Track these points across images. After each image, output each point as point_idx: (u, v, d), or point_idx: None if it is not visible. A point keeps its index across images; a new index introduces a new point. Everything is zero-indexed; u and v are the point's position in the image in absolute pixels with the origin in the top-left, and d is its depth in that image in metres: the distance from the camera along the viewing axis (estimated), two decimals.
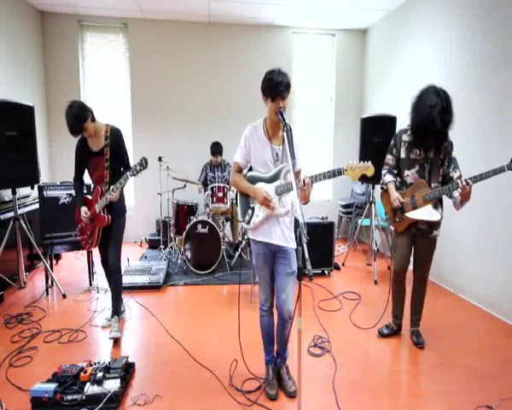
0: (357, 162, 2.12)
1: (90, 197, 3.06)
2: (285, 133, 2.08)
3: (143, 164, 2.67)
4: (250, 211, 2.28)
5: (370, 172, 2.12)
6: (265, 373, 2.46)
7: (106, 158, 2.90)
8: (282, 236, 2.25)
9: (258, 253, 2.30)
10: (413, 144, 2.75)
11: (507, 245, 3.35)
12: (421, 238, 2.81)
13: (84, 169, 3.10)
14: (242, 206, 2.35)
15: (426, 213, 2.69)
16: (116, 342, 2.93)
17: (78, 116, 2.78)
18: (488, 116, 3.55)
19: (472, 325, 3.31)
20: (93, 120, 2.90)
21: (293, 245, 2.26)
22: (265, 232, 2.25)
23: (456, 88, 3.97)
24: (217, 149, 5.08)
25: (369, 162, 2.13)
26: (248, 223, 2.28)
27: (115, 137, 2.95)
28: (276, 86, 2.11)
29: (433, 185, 2.69)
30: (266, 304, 2.38)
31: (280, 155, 2.25)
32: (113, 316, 3.15)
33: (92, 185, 3.12)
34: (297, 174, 2.27)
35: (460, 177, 2.64)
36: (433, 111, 2.49)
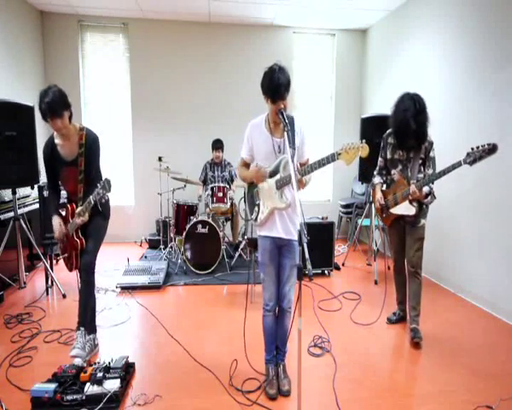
0: (350, 143, 2.04)
1: (63, 214, 2.65)
2: (285, 133, 2.11)
3: (106, 187, 2.28)
4: (256, 208, 2.34)
5: (365, 152, 2.03)
6: (265, 373, 2.46)
7: (80, 170, 2.47)
8: (287, 229, 2.28)
9: (265, 249, 2.32)
10: (396, 146, 2.96)
11: (507, 245, 3.35)
12: (411, 228, 2.98)
13: (57, 177, 2.66)
14: (250, 204, 2.42)
15: (403, 208, 2.93)
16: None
17: (62, 97, 2.38)
18: (488, 116, 3.55)
19: (472, 325, 3.31)
20: (70, 118, 2.50)
21: (296, 237, 2.24)
22: (270, 227, 2.29)
23: (455, 88, 3.97)
24: (219, 144, 5.09)
25: (363, 142, 2.03)
26: (255, 220, 2.34)
27: (92, 144, 2.52)
28: (276, 89, 2.12)
29: (411, 182, 2.88)
30: (270, 303, 2.35)
31: (282, 147, 2.25)
32: (78, 328, 2.67)
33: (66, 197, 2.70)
34: (305, 164, 2.31)
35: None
36: (407, 114, 2.71)
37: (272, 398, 2.29)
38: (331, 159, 2.07)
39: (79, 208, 2.43)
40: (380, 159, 3.15)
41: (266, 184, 2.27)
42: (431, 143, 2.85)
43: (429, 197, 2.84)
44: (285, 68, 2.18)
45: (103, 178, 2.30)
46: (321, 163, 2.10)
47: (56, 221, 2.57)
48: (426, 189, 2.77)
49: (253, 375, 2.48)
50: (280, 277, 2.35)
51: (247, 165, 2.43)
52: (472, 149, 2.57)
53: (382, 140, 3.11)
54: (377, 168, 3.19)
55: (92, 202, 2.36)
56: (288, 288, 2.32)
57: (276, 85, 2.11)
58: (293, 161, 2.03)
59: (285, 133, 2.11)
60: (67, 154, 2.51)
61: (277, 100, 2.14)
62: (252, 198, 2.40)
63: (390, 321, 3.27)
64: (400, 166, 2.96)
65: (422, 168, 2.90)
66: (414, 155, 2.88)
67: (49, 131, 5.71)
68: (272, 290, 2.34)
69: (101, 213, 2.66)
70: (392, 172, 3.02)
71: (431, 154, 2.86)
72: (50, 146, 2.54)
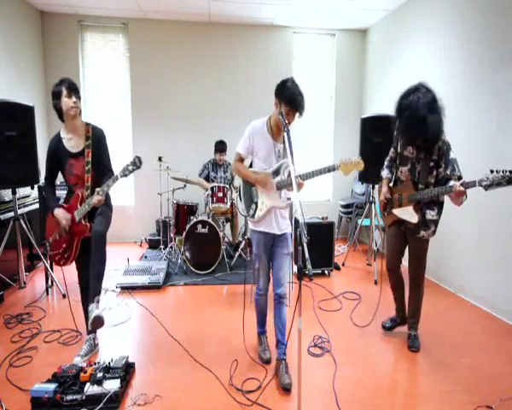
0: (349, 158, 2.33)
1: (65, 205, 2.66)
2: (285, 133, 2.22)
3: (137, 163, 2.40)
4: (254, 206, 2.53)
5: (360, 167, 2.33)
6: (258, 342, 2.77)
7: (87, 160, 2.53)
8: (281, 226, 2.53)
9: (260, 241, 2.54)
10: (407, 141, 2.74)
11: (507, 245, 3.35)
12: (411, 237, 2.82)
13: (58, 172, 2.70)
14: (246, 201, 2.60)
15: (406, 213, 2.74)
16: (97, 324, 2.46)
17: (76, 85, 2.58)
18: (488, 116, 3.55)
19: (472, 325, 3.31)
20: (80, 111, 2.62)
21: (288, 230, 2.57)
22: (266, 224, 2.51)
23: (455, 88, 3.98)
24: (223, 147, 5.07)
25: (360, 158, 2.33)
26: (253, 217, 2.53)
27: (98, 137, 2.61)
28: (296, 104, 2.33)
29: (419, 187, 2.68)
30: (263, 288, 2.60)
31: (281, 152, 2.47)
32: (92, 301, 2.55)
33: (65, 193, 2.73)
34: None
35: (459, 177, 2.56)
36: (409, 110, 2.50)
37: (266, 362, 2.57)
38: (332, 169, 2.32)
39: (99, 188, 2.45)
40: (392, 149, 2.93)
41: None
42: (447, 144, 2.58)
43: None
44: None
45: (134, 156, 2.41)
46: (322, 171, 2.32)
47: (61, 211, 2.56)
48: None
49: (253, 375, 2.48)
50: (274, 264, 2.56)
51: (242, 160, 2.60)
52: (491, 171, 2.28)
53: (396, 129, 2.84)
54: (388, 159, 2.96)
55: (119, 179, 2.42)
56: (282, 274, 2.52)
57: (298, 101, 2.33)
58: (293, 163, 2.17)
59: (285, 134, 2.21)
60: (73, 146, 2.57)
61: (295, 111, 2.35)
62: (249, 196, 2.57)
63: (384, 328, 3.14)
64: (409, 165, 2.73)
65: (435, 171, 2.64)
66: (425, 155, 2.63)
67: (49, 131, 5.75)
68: (265, 278, 2.59)
69: (106, 204, 2.68)
70: (400, 169, 2.81)
71: (451, 155, 2.57)
72: (56, 140, 2.59)
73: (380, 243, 5.09)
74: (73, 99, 2.50)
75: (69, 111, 2.50)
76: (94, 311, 2.44)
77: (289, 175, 2.29)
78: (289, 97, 2.30)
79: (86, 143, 2.56)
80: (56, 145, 2.59)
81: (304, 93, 2.35)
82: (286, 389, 2.33)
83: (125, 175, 2.42)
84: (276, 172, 2.44)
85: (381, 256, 5.04)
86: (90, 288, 2.54)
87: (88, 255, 2.61)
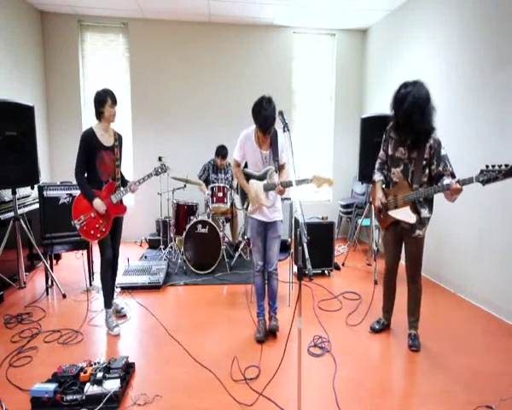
0: (321, 174, 2.69)
1: (101, 193, 3.07)
2: (285, 134, 2.44)
3: (164, 169, 3.38)
4: (247, 201, 3.01)
5: (331, 183, 2.68)
6: (257, 324, 3.08)
7: (117, 157, 3.14)
8: (272, 215, 2.96)
9: (253, 226, 3.00)
10: (398, 142, 2.75)
11: (507, 245, 3.35)
12: (407, 237, 2.83)
13: (88, 165, 3.04)
14: (242, 195, 3.09)
15: (404, 214, 2.74)
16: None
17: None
18: (488, 116, 3.55)
19: (472, 325, 3.31)
20: None
21: (278, 218, 2.98)
22: (258, 213, 2.96)
23: (455, 88, 3.98)
24: (225, 152, 5.02)
25: (331, 177, 2.70)
26: (246, 209, 3.04)
27: (121, 141, 3.24)
28: (266, 130, 2.70)
29: (414, 186, 2.67)
30: (259, 264, 3.02)
31: (267, 158, 2.90)
32: (110, 307, 3.30)
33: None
34: (283, 166, 2.90)
35: (451, 174, 2.59)
36: (395, 104, 2.66)
37: (259, 340, 2.89)
38: (305, 181, 2.69)
39: (135, 180, 3.19)
40: (381, 152, 2.94)
41: (255, 185, 2.90)
42: (438, 142, 2.59)
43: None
44: (273, 105, 2.68)
45: (162, 164, 3.41)
46: (299, 182, 2.65)
47: (98, 202, 3.01)
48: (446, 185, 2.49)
49: (253, 370, 2.48)
50: (266, 246, 3.01)
51: (239, 165, 3.01)
52: (487, 166, 2.31)
53: (385, 133, 2.90)
54: (378, 162, 2.98)
55: (152, 176, 3.26)
56: (271, 253, 2.99)
57: (264, 123, 2.66)
58: (276, 171, 2.81)
59: (285, 133, 2.44)
60: (105, 141, 3.08)
61: (265, 132, 2.73)
62: (243, 191, 3.03)
63: (373, 330, 3.12)
64: (402, 166, 2.73)
65: (427, 170, 2.65)
66: (417, 155, 2.64)
67: (49, 131, 5.74)
68: (258, 256, 3.02)
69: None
70: (392, 170, 2.81)
71: (442, 152, 2.59)
72: (90, 133, 3.02)
73: (380, 243, 5.08)
74: (115, 109, 3.06)
75: (110, 117, 3.05)
76: (118, 326, 3.14)
77: (271, 177, 2.88)
78: (260, 124, 2.68)
79: (115, 142, 3.13)
80: (92, 137, 3.02)
81: (274, 112, 2.65)
82: (272, 331, 2.99)
83: (157, 174, 3.32)
84: (263, 177, 2.89)
85: (380, 256, 5.05)
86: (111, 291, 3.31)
87: (115, 236, 3.26)
